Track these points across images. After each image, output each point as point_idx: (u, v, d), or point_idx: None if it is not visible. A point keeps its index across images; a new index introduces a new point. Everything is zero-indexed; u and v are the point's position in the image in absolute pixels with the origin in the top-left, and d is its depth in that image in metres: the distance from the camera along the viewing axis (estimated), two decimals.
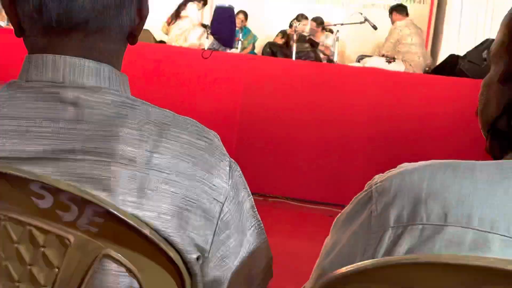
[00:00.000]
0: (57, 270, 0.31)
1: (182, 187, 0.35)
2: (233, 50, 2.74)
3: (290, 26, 3.01)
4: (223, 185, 0.38)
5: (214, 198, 0.37)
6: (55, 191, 0.30)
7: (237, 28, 2.93)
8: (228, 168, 0.39)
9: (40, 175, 0.30)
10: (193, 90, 2.02)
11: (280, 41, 3.17)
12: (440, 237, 0.26)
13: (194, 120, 0.39)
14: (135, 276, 0.32)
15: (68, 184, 0.30)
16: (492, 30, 3.51)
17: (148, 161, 0.33)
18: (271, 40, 3.21)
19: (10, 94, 0.35)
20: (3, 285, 0.33)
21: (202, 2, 3.05)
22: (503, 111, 0.33)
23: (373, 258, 0.28)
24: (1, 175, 0.29)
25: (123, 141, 0.32)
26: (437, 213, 0.26)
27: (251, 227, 0.42)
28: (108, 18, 0.35)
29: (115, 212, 0.30)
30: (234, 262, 0.40)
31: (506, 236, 0.24)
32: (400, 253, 0.27)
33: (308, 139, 1.92)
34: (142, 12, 0.40)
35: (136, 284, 0.33)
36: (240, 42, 2.84)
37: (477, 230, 0.25)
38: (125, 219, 0.30)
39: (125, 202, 0.31)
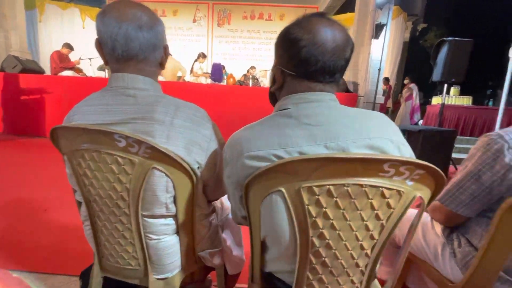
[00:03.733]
0: (131, 176, 0.64)
1: (187, 135, 0.66)
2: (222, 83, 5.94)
3: (247, 71, 6.62)
4: (208, 133, 0.70)
5: (204, 140, 0.69)
6: (126, 138, 0.61)
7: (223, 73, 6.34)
8: (211, 125, 0.71)
9: (119, 130, 0.61)
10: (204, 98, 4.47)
11: (243, 78, 6.61)
12: (250, 156, 0.54)
13: (194, 104, 0.70)
14: (169, 176, 0.65)
15: (133, 134, 0.61)
16: None
17: (170, 122, 0.63)
18: (239, 78, 6.83)
19: (101, 93, 0.66)
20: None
21: (202, 58, 6.07)
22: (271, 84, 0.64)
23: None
24: (101, 131, 0.60)
25: (158, 113, 0.63)
26: (247, 147, 0.55)
27: (220, 152, 0.75)
28: (148, 54, 0.64)
29: (156, 146, 0.61)
30: (215, 168, 0.74)
31: (268, 150, 0.53)
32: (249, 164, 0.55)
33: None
34: (166, 52, 0.71)
35: (170, 182, 0.66)
36: (225, 79, 6.33)
37: (256, 150, 0.53)
38: (161, 149, 0.61)
39: (161, 142, 0.63)
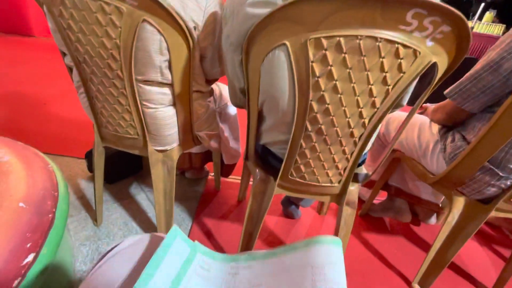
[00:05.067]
0: (120, 29, 0.58)
1: None
2: None
3: None
4: None
5: None
6: None
7: None
8: None
9: None
10: None
11: None
12: (255, 2, 0.47)
13: None
14: (162, 35, 0.59)
15: None
16: None
17: None
18: None
19: None
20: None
21: None
22: None
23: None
24: None
25: None
26: None
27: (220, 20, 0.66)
28: None
29: None
30: (213, 36, 0.67)
31: None
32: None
33: None
34: None
35: (164, 43, 0.61)
36: None
37: None
38: None
39: None
